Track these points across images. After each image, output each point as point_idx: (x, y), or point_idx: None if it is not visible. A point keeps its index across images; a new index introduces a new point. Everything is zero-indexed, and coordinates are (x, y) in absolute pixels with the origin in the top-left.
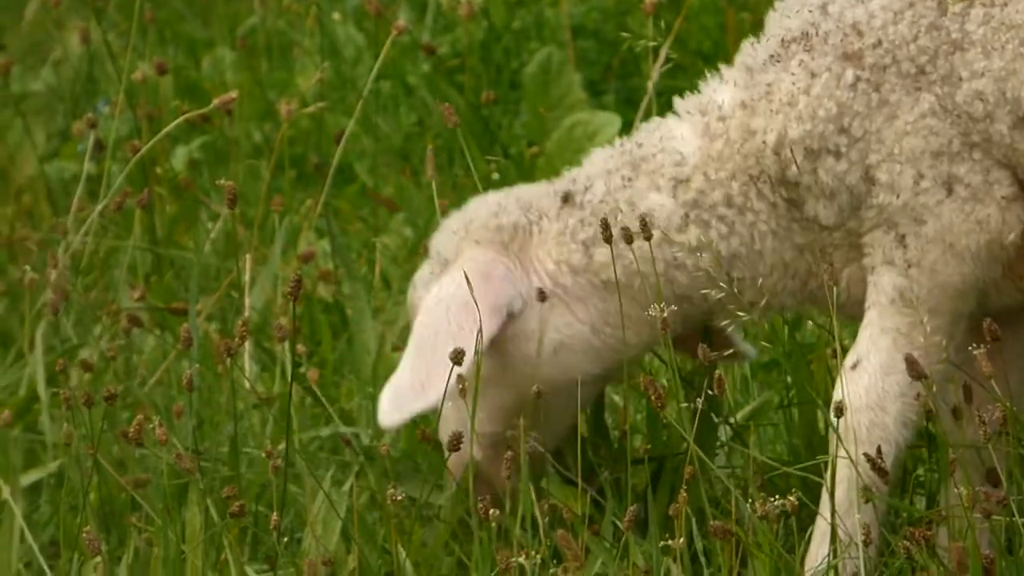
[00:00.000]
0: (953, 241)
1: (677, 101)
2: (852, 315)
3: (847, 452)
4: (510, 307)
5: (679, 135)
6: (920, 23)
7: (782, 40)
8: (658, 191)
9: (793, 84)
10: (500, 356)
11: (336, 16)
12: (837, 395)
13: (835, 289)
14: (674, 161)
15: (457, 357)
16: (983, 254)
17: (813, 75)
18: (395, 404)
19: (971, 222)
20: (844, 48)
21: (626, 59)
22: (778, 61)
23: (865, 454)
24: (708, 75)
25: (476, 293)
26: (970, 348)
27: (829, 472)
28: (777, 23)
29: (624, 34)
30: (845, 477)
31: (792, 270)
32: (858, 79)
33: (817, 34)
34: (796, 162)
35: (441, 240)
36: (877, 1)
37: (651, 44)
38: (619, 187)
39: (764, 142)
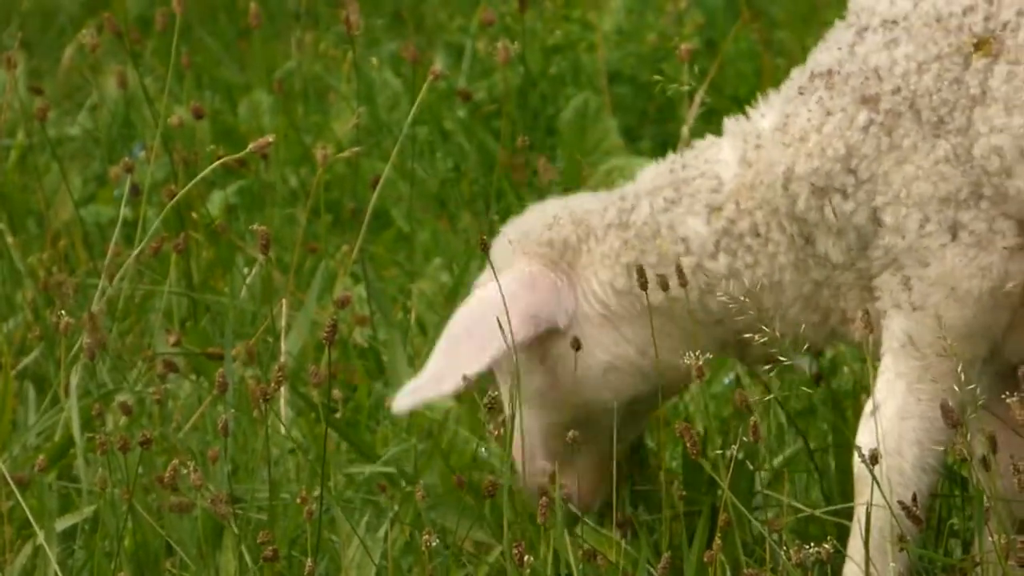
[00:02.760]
0: (955, 285)
1: (727, 122)
2: (875, 355)
3: (883, 495)
4: (551, 321)
5: (723, 159)
6: (945, 76)
7: (811, 73)
8: (695, 216)
9: (808, 120)
10: (549, 375)
11: (373, 61)
12: (860, 439)
13: (850, 328)
14: (711, 187)
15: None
16: (985, 300)
17: (828, 113)
18: (410, 392)
19: (973, 267)
20: (863, 91)
21: (662, 104)
22: (802, 94)
23: (900, 502)
24: (759, 99)
25: (516, 301)
26: (1003, 396)
27: (855, 518)
28: (814, 55)
29: (658, 78)
30: (870, 524)
31: (813, 303)
32: (871, 122)
33: (840, 73)
34: (800, 199)
35: (497, 248)
36: (903, 49)
37: (686, 89)
38: (661, 209)
39: (778, 174)
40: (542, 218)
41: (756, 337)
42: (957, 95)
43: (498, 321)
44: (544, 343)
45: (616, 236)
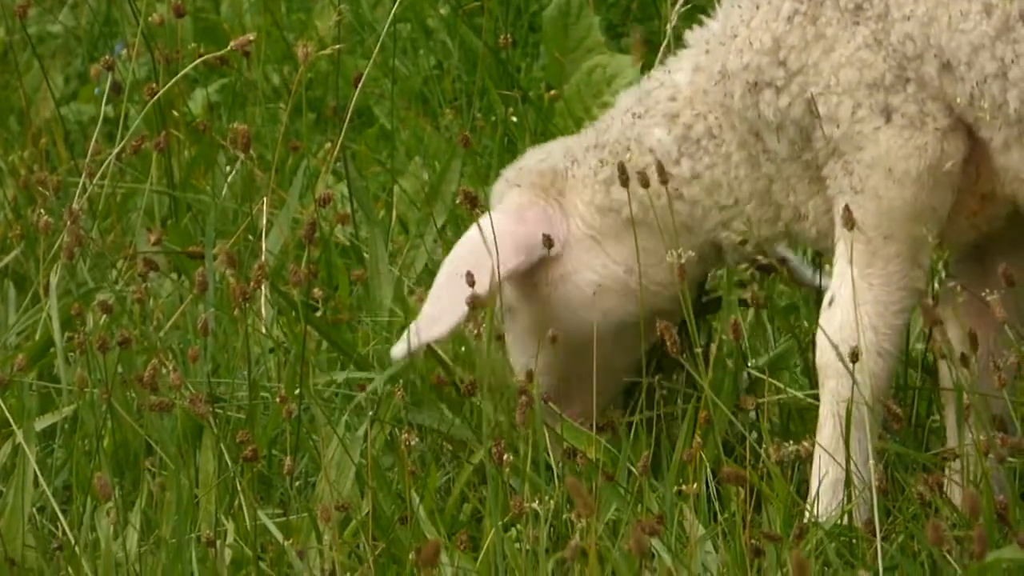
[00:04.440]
0: (892, 166)
1: (687, 34)
2: (822, 248)
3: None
4: (543, 248)
5: (681, 67)
6: None
7: None
8: (658, 126)
9: (740, 17)
10: (545, 302)
11: None
12: (819, 330)
13: (803, 225)
14: (669, 96)
15: (471, 288)
16: (924, 179)
17: (757, 7)
18: (408, 336)
19: (910, 147)
20: None
21: (645, 2)
22: None
23: (880, 400)
24: (717, 6)
25: (505, 233)
26: (983, 294)
27: (820, 412)
28: None
29: None
30: (830, 414)
31: (767, 199)
32: (795, 12)
33: None
34: (736, 96)
35: (495, 187)
36: None
37: None
38: (630, 124)
39: (718, 72)
40: (535, 154)
41: (725, 235)
42: None
43: (487, 257)
44: (537, 272)
45: (594, 156)
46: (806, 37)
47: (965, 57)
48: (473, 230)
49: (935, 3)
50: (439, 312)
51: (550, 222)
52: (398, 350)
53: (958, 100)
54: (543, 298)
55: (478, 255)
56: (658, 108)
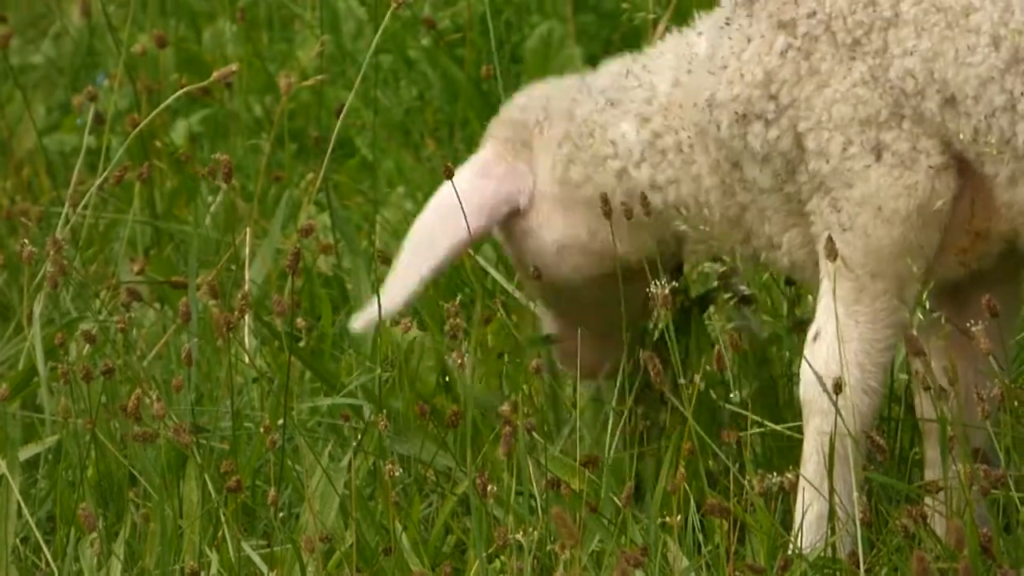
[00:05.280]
0: (882, 205)
1: (671, 34)
2: (798, 280)
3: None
4: (511, 203)
5: (661, 70)
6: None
7: (735, 2)
8: (627, 121)
9: (730, 48)
10: (521, 254)
11: None
12: (804, 365)
13: (775, 253)
14: (645, 97)
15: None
16: (913, 218)
17: (748, 40)
18: (366, 311)
19: (899, 187)
20: (779, 16)
21: (627, 33)
22: (727, 24)
23: (864, 432)
24: (697, 18)
25: (472, 191)
26: (968, 325)
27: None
28: None
29: (624, 6)
30: (814, 450)
31: (737, 224)
32: (789, 47)
33: (759, 0)
34: (723, 125)
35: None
36: None
37: (651, 17)
38: (600, 109)
39: (702, 99)
40: (520, 99)
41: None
42: (872, 17)
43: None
44: (508, 224)
45: (560, 126)
46: (799, 72)
47: (972, 91)
48: (440, 192)
49: (940, 37)
50: (400, 281)
51: (516, 177)
52: (356, 324)
53: (960, 136)
54: (517, 251)
55: (444, 219)
56: (632, 105)
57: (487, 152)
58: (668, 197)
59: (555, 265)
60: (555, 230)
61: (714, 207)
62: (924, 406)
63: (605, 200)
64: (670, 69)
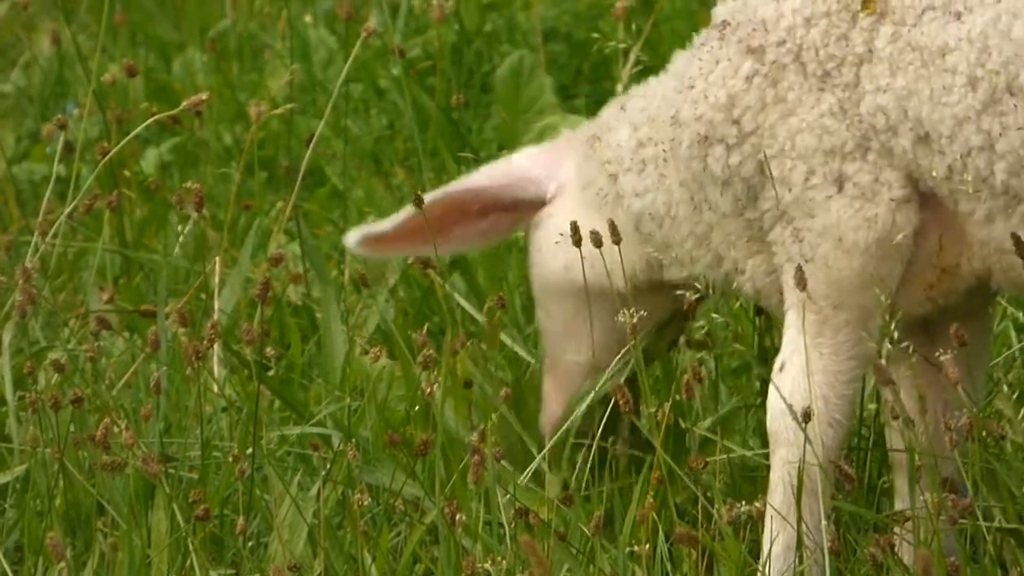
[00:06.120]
0: (842, 236)
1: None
2: (764, 307)
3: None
4: (536, 185)
5: (664, 83)
6: (832, 32)
7: (712, 24)
8: (625, 128)
9: (699, 69)
10: (529, 247)
11: (307, 19)
12: (771, 397)
13: (740, 278)
14: (641, 105)
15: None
16: (873, 251)
17: (717, 62)
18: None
19: (859, 219)
20: (748, 42)
21: (597, 63)
22: (702, 44)
23: (832, 461)
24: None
25: (509, 161)
26: (937, 354)
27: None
28: (716, 7)
29: (594, 36)
30: (780, 480)
31: (705, 244)
32: (755, 72)
33: (731, 24)
34: (684, 145)
35: None
36: (790, 3)
37: (621, 47)
38: (616, 112)
39: (667, 117)
40: (612, 104)
41: (659, 255)
42: (845, 51)
43: None
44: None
45: (592, 125)
46: (764, 99)
47: (947, 130)
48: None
49: (915, 76)
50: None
51: (553, 165)
52: (351, 237)
53: (933, 173)
54: (528, 238)
55: (478, 172)
56: (632, 112)
57: (551, 143)
58: (645, 203)
59: (551, 258)
60: (562, 224)
61: (682, 223)
62: (893, 436)
63: (576, 230)
64: (672, 78)
